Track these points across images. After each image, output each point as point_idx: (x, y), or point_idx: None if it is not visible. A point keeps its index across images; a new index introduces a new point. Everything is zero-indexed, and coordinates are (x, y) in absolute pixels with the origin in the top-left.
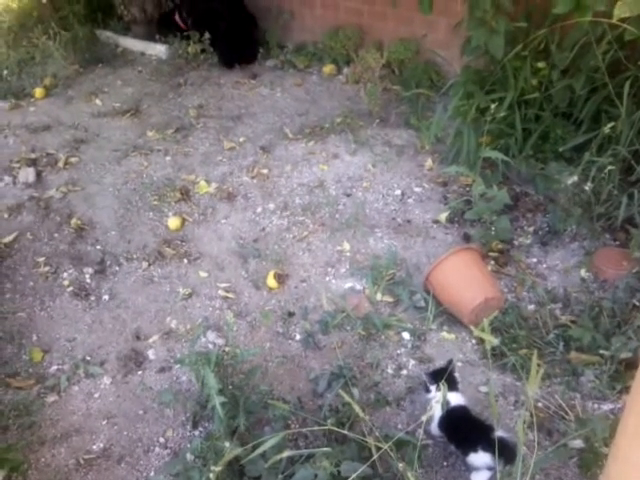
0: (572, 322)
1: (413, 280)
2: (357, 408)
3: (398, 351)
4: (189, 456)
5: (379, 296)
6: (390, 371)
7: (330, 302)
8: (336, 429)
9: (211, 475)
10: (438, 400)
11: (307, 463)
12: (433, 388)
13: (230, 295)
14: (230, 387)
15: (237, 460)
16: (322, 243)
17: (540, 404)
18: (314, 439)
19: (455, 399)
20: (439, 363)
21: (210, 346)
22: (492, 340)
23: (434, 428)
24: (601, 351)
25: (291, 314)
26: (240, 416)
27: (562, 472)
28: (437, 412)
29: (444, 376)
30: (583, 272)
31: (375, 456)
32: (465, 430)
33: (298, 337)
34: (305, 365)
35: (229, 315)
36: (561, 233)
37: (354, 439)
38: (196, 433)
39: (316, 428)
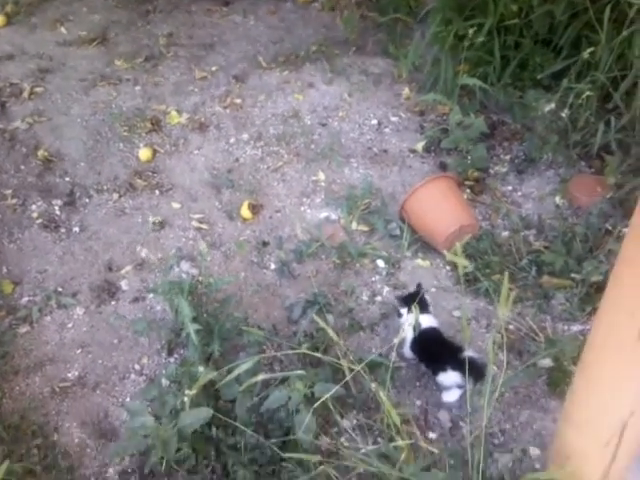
0: (545, 248)
1: (389, 209)
2: (331, 333)
3: (373, 278)
4: (164, 381)
5: (354, 225)
6: (365, 298)
7: (305, 231)
8: (310, 353)
9: (185, 399)
10: (410, 323)
11: (281, 386)
12: (404, 312)
13: (204, 226)
14: (204, 315)
15: (212, 384)
16: (297, 173)
17: (511, 326)
18: (289, 363)
19: (426, 321)
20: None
21: (184, 276)
22: (464, 263)
23: (406, 350)
24: (573, 275)
25: (265, 244)
26: (214, 342)
27: (531, 390)
28: (409, 335)
29: (415, 300)
30: (558, 199)
31: (348, 377)
32: (435, 351)
33: (273, 266)
34: (280, 294)
35: (202, 245)
36: (537, 161)
37: (328, 362)
38: (171, 360)
39: (290, 352)
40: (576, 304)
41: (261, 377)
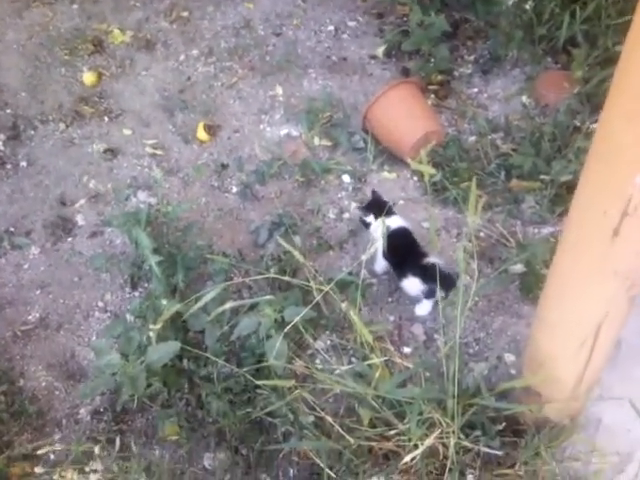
0: (513, 150)
1: (351, 121)
2: (298, 255)
3: (339, 195)
4: (129, 317)
5: (316, 140)
6: (332, 216)
7: (265, 151)
8: (278, 277)
9: (151, 334)
10: (379, 229)
11: (251, 312)
12: (371, 219)
13: (158, 152)
14: (166, 246)
15: (179, 316)
16: (253, 89)
17: (482, 234)
18: (258, 289)
19: (395, 222)
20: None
21: (142, 206)
22: (430, 171)
23: (378, 265)
24: (542, 176)
25: (225, 166)
26: (178, 273)
27: (504, 297)
28: (379, 247)
29: (378, 205)
30: (524, 98)
31: (317, 298)
32: (401, 255)
33: (235, 190)
34: (244, 217)
35: (156, 172)
36: (502, 60)
37: (297, 285)
38: (136, 294)
39: (258, 277)
40: (546, 206)
41: (229, 305)
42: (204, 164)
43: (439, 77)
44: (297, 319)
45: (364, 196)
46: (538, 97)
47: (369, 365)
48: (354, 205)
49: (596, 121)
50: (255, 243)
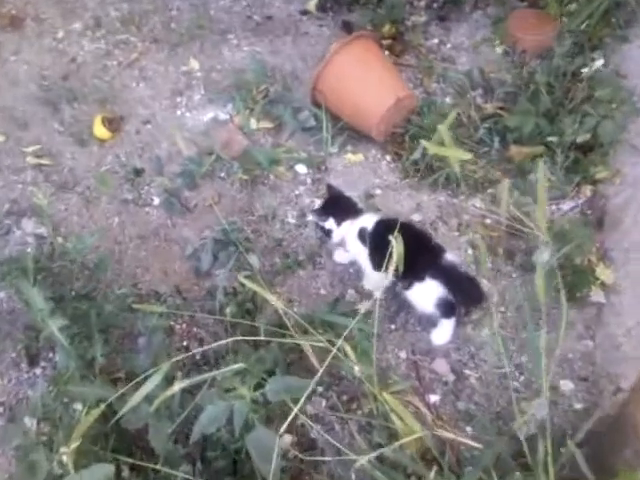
0: (501, 109)
1: (294, 94)
2: (261, 289)
3: (296, 191)
4: (28, 420)
5: (254, 123)
6: (292, 221)
7: (190, 143)
8: (240, 321)
9: (64, 458)
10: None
11: (214, 389)
12: (330, 224)
13: (44, 161)
14: (71, 298)
15: (110, 407)
16: (160, 65)
17: (488, 220)
18: (213, 339)
19: (369, 220)
20: (353, 194)
21: (29, 241)
22: (462, 155)
23: (370, 281)
24: (549, 139)
25: (139, 171)
26: (94, 342)
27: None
28: (362, 259)
29: (336, 203)
30: (497, 46)
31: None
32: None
33: (157, 201)
34: (175, 237)
35: (38, 192)
36: (459, 2)
37: (271, 334)
38: (37, 372)
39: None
40: (561, 176)
41: (178, 386)
42: (109, 171)
43: (391, 30)
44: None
45: None
46: (513, 42)
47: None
48: (318, 201)
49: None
50: (196, 272)
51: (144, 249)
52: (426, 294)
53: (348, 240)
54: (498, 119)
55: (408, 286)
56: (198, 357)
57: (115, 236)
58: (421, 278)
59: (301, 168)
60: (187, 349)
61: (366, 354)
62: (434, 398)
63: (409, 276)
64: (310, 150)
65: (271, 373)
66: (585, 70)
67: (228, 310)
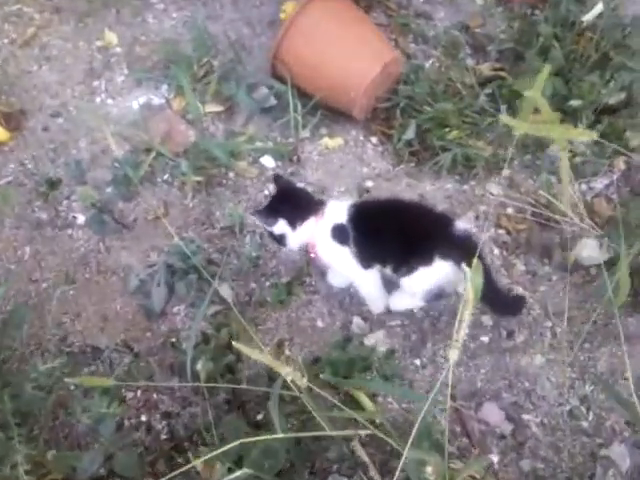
0: (499, 70)
1: (246, 67)
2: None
3: (265, 191)
4: None
5: (199, 107)
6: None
7: (120, 139)
8: (218, 385)
9: None
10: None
11: None
12: (282, 227)
13: None
14: None
15: None
16: (67, 42)
17: (509, 210)
18: (181, 407)
19: (340, 210)
20: (336, 190)
21: None
22: (589, 135)
23: (369, 292)
24: (570, 103)
25: (54, 182)
26: (13, 437)
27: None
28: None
29: (287, 199)
30: None
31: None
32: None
33: (81, 219)
34: (112, 266)
35: None
36: None
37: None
38: None
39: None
40: (590, 147)
41: None
42: (12, 184)
43: None
44: None
45: (306, 184)
46: None
47: None
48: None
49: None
50: (147, 312)
51: (71, 287)
52: (432, 279)
53: (318, 245)
54: (500, 82)
55: (407, 272)
56: (164, 437)
57: (28, 272)
58: (429, 260)
59: (268, 161)
60: (148, 428)
61: (427, 434)
62: (494, 458)
63: (411, 260)
64: (276, 137)
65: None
66: (587, 17)
67: (199, 366)
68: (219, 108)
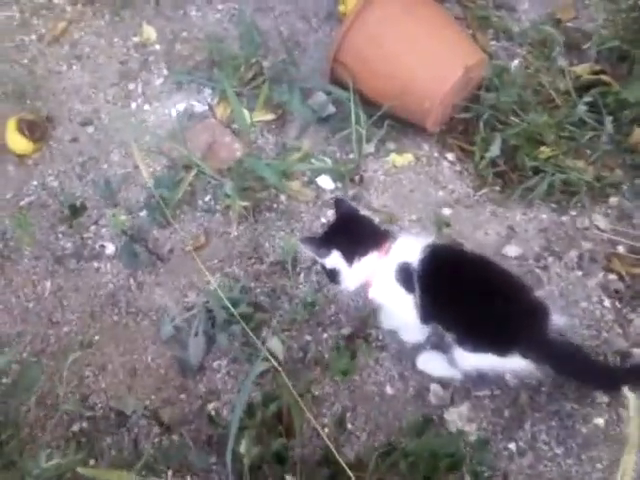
0: (600, 73)
1: (301, 69)
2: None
3: (322, 218)
4: None
5: (247, 115)
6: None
7: (154, 154)
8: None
9: None
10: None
11: None
12: (336, 261)
13: None
14: None
15: None
16: (101, 38)
17: (620, 248)
18: None
19: (412, 249)
20: (407, 218)
21: None
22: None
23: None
24: None
25: (78, 208)
26: None
27: None
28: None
29: (346, 229)
30: None
31: None
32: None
33: (110, 249)
34: (143, 306)
35: None
36: None
37: None
38: None
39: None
40: None
41: None
42: (34, 205)
43: None
44: None
45: (372, 212)
46: None
47: None
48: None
49: None
50: (182, 367)
51: (96, 331)
52: (496, 367)
53: (377, 286)
54: (603, 89)
55: (472, 350)
56: None
57: (49, 312)
58: (504, 351)
59: (325, 181)
60: None
61: None
62: None
63: (482, 341)
64: (334, 152)
65: None
66: None
67: (243, 448)
68: (269, 117)
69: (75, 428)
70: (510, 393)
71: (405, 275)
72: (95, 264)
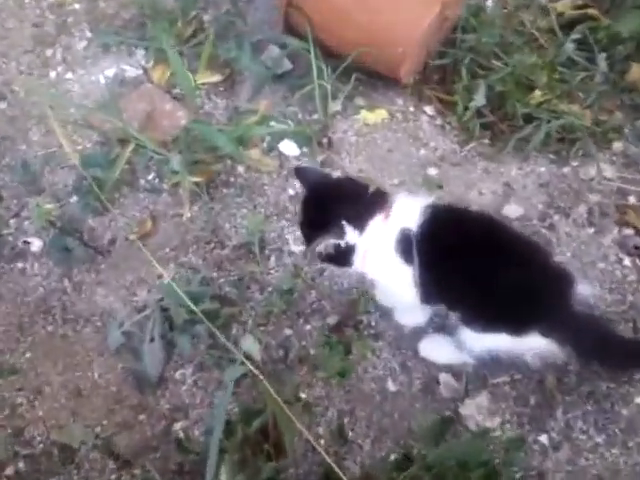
0: (585, 8)
1: (249, 20)
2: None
3: (290, 190)
4: None
5: (190, 78)
6: (298, 247)
7: (82, 129)
8: None
9: None
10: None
11: None
12: (351, 235)
13: None
14: None
15: None
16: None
17: (633, 200)
18: None
19: (410, 211)
20: (387, 182)
21: None
22: None
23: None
24: None
25: None
26: None
27: None
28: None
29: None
30: None
31: None
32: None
33: (36, 245)
34: (83, 312)
35: None
36: None
37: None
38: None
39: None
40: None
41: None
42: None
43: None
44: None
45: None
46: None
47: None
48: None
49: None
50: (138, 381)
51: (27, 346)
52: (511, 348)
53: (372, 258)
54: (591, 25)
55: (481, 330)
56: None
57: None
58: (520, 330)
59: (289, 147)
60: None
61: None
62: None
63: (495, 320)
64: (296, 114)
65: None
66: None
67: (223, 476)
68: (216, 78)
69: (9, 472)
70: (533, 376)
71: (404, 243)
72: (19, 265)
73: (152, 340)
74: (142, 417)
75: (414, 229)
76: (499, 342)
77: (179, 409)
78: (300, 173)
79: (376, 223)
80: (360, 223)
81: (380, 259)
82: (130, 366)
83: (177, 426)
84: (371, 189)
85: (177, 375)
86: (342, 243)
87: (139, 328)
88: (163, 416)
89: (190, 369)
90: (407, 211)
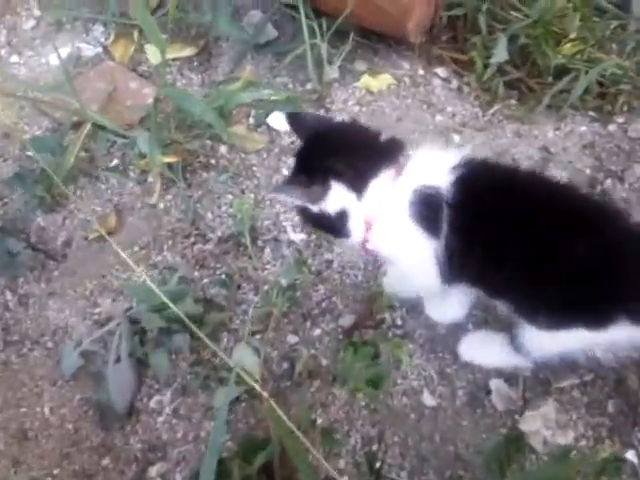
0: None
1: None
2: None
3: (283, 169)
4: None
5: (157, 52)
6: (297, 235)
7: (30, 115)
8: None
9: None
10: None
11: None
12: (341, 196)
13: None
14: None
15: None
16: None
17: None
18: None
19: (439, 165)
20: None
21: None
22: None
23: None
24: None
25: None
26: None
27: None
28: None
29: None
30: None
31: None
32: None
33: None
34: (31, 332)
35: None
36: None
37: None
38: None
39: None
40: None
41: None
42: None
43: None
44: None
45: None
46: None
47: None
48: None
49: None
50: (102, 416)
51: None
52: (592, 344)
53: (381, 229)
54: None
55: (547, 327)
56: None
57: None
58: (604, 320)
59: (279, 121)
60: None
61: None
62: None
63: (564, 309)
64: (285, 84)
65: None
66: None
67: None
68: (189, 51)
69: None
70: (609, 376)
71: (428, 208)
72: None
73: (118, 360)
74: (106, 462)
75: (443, 191)
76: (574, 340)
77: (155, 448)
78: (294, 120)
79: (382, 182)
80: (357, 181)
81: (387, 229)
82: (90, 396)
83: (153, 471)
84: (383, 137)
85: (152, 403)
86: (331, 209)
87: (102, 346)
88: (135, 458)
89: (168, 394)
90: (429, 167)
